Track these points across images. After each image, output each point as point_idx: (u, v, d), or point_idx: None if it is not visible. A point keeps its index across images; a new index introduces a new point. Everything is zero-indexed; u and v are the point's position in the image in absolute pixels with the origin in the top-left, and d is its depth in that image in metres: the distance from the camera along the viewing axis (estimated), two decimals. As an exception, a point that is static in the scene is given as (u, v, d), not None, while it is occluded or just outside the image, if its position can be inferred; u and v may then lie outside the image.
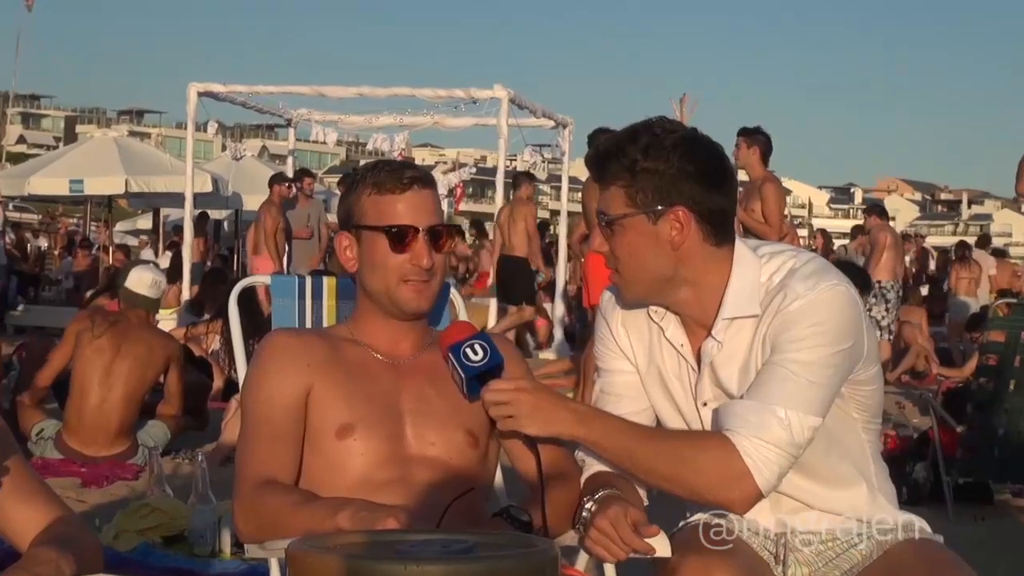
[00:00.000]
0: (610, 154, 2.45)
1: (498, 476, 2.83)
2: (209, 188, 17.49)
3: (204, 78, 13.68)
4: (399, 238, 2.54)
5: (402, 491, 2.46)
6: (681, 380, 2.56)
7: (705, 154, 2.45)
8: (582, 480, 2.57)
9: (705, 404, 2.52)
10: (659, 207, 2.42)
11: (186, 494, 4.83)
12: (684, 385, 2.55)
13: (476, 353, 2.47)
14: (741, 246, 2.51)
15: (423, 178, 2.58)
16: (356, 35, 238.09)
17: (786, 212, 10.35)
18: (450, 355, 2.49)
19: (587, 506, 2.41)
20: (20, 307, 16.76)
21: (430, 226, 2.56)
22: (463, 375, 2.48)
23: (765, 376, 2.41)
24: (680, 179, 2.41)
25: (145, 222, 26.32)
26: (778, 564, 2.53)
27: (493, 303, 12.90)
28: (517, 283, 12.70)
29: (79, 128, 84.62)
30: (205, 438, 7.33)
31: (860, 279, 7.20)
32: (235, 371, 6.57)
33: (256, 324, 5.85)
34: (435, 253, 2.56)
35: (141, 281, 6.83)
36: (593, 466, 2.57)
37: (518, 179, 13.21)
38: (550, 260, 16.16)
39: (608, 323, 2.64)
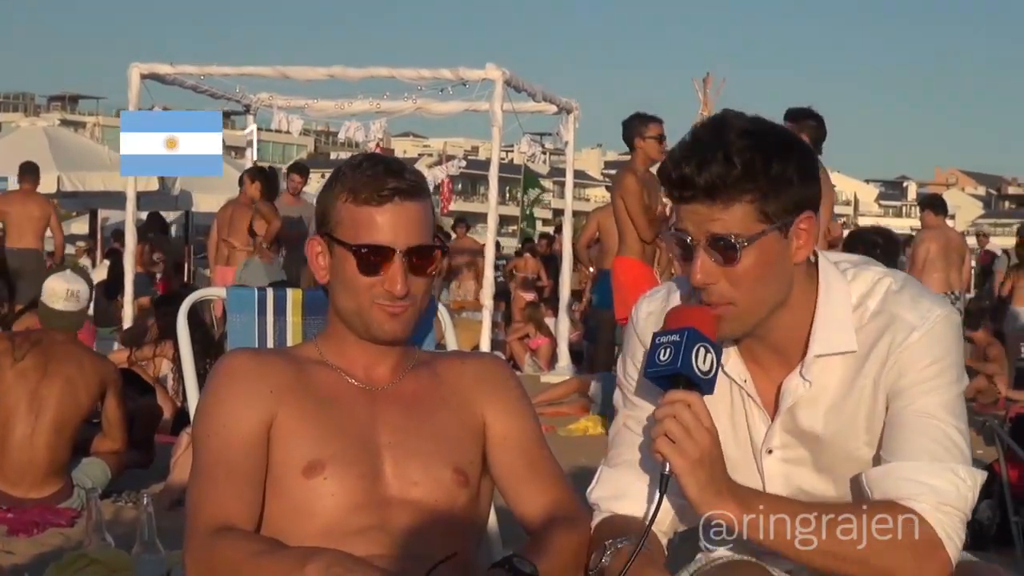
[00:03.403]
0: (727, 164, 2.29)
1: (492, 518, 2.83)
2: (155, 186, 17.47)
3: (148, 58, 13.61)
4: (369, 260, 2.52)
5: (380, 539, 2.46)
6: (734, 420, 2.51)
7: (802, 144, 2.43)
8: (592, 525, 2.54)
9: (770, 452, 2.49)
10: (790, 217, 2.36)
11: (129, 543, 4.80)
12: (737, 427, 2.51)
13: (704, 363, 2.31)
14: (822, 258, 2.48)
15: (409, 188, 2.52)
16: (326, 6, 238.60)
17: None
18: (683, 338, 2.30)
19: (600, 559, 2.38)
20: None
21: (409, 247, 2.53)
22: (679, 366, 2.29)
23: (913, 430, 2.37)
24: (805, 179, 2.36)
25: (80, 226, 26.29)
26: None
27: (487, 319, 12.90)
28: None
29: (2, 116, 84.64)
30: (151, 477, 7.31)
31: (886, 247, 7.17)
32: (186, 400, 6.57)
33: (209, 344, 5.86)
34: (414, 277, 2.54)
35: (54, 293, 6.70)
36: (606, 511, 2.53)
37: None
38: (554, 268, 16.16)
39: (644, 344, 2.52)
